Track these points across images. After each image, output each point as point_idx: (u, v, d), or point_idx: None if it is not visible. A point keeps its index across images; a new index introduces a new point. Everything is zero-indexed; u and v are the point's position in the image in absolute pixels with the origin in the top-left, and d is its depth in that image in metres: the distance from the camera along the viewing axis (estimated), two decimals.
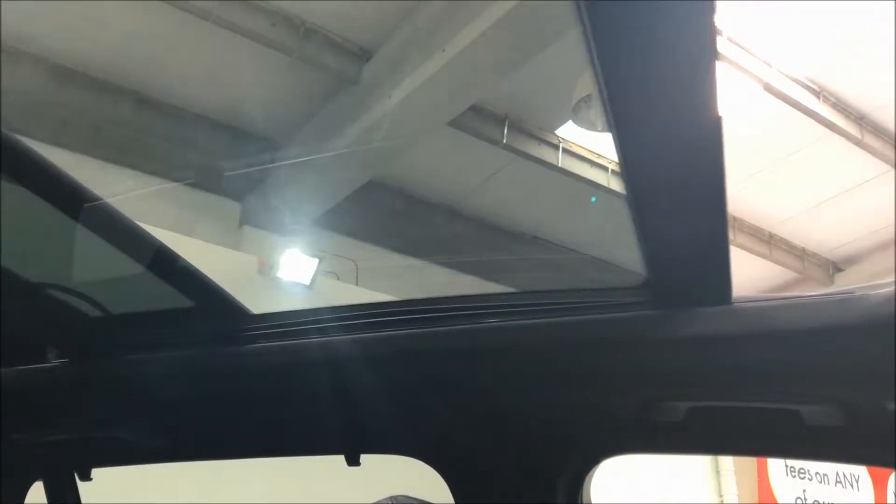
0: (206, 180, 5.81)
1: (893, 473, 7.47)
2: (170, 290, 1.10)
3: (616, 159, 0.86)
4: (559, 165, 6.09)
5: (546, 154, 6.08)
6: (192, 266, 1.08)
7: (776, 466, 6.92)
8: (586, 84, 4.33)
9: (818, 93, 5.69)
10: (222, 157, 5.76)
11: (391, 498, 0.89)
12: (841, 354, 0.96)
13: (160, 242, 1.06)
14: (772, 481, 6.90)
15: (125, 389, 1.24)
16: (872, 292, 0.89)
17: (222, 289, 1.11)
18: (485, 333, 1.07)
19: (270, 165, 5.76)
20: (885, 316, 0.89)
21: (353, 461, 1.23)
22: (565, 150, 6.15)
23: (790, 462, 6.97)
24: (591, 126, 4.67)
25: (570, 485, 1.18)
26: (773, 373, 1.00)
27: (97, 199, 0.93)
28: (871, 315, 0.90)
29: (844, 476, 7.30)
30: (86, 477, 1.41)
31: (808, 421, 1.01)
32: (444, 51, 4.48)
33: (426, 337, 1.08)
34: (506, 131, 5.84)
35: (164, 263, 1.07)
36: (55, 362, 1.25)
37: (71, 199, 0.94)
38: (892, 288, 0.88)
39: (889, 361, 0.93)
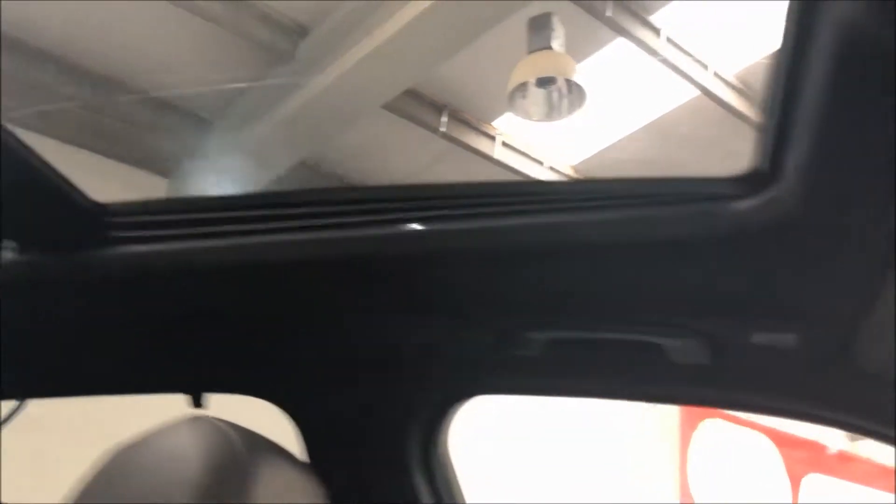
0: (131, 153, 5.63)
1: (809, 475, 7.64)
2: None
3: None
4: (495, 157, 6.05)
5: (483, 145, 6.04)
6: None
7: (696, 465, 7.01)
8: (522, 72, 4.29)
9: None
10: (150, 130, 5.58)
11: (190, 418, 0.79)
12: (698, 276, 0.84)
13: None
14: (690, 481, 6.98)
15: None
16: (739, 203, 0.76)
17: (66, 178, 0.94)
18: (327, 244, 0.90)
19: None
20: (752, 230, 0.76)
21: (197, 403, 1.12)
22: (504, 143, 6.12)
23: (708, 460, 7.07)
24: (526, 115, 4.63)
25: (424, 429, 1.10)
26: (629, 294, 0.89)
27: None
28: (735, 229, 0.77)
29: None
30: None
31: (673, 357, 0.92)
32: (377, 31, 4.41)
33: (250, 248, 0.90)
34: (444, 119, 5.78)
35: None
36: None
37: None
38: (765, 196, 0.74)
39: (756, 284, 0.83)
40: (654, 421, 7.02)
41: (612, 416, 6.66)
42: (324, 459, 1.09)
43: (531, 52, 4.33)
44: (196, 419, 0.79)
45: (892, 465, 8.32)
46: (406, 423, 1.09)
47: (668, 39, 5.15)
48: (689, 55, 5.32)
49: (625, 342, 0.94)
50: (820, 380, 0.92)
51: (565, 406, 6.34)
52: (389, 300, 0.96)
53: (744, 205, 0.74)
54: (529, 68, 4.28)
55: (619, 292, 0.88)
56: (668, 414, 7.00)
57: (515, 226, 0.83)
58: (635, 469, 6.73)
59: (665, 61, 5.18)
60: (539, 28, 4.34)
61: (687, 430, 6.99)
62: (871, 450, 8.39)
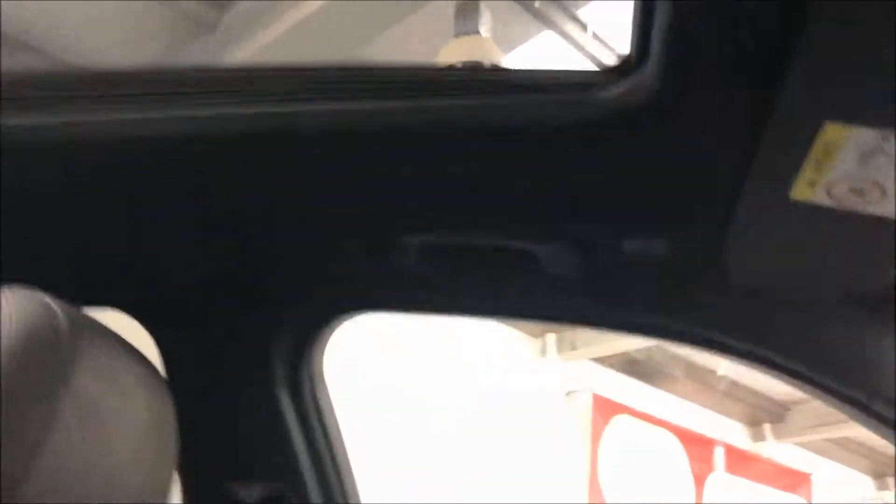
0: None
1: (713, 473, 7.85)
2: None
3: None
4: None
5: None
6: None
7: (606, 463, 7.11)
8: (447, 56, 4.28)
9: None
10: None
11: (9, 288, 0.72)
12: (564, 170, 0.77)
13: None
14: (601, 479, 7.07)
15: None
16: (603, 91, 0.70)
17: None
18: (173, 123, 0.79)
19: None
20: (617, 120, 0.70)
21: None
22: None
23: (618, 458, 7.18)
24: None
25: (293, 348, 1.03)
26: (495, 190, 0.82)
27: None
28: (599, 117, 0.71)
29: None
30: None
31: (548, 267, 0.87)
32: (303, 5, 4.34)
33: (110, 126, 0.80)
34: None
35: None
36: None
37: None
38: (629, 81, 0.69)
39: (623, 180, 0.76)
40: (566, 418, 7.09)
41: (521, 412, 6.67)
42: (180, 376, 1.02)
43: (457, 35, 4.33)
44: (16, 290, 0.72)
45: (792, 466, 8.63)
46: (273, 340, 1.01)
47: (595, 35, 5.21)
48: (615, 52, 5.39)
49: (499, 250, 0.90)
50: (694, 294, 0.89)
51: (472, 398, 6.34)
52: (245, 189, 0.89)
53: (608, 92, 0.69)
54: (455, 52, 4.27)
55: (485, 187, 0.83)
56: (580, 410, 7.07)
57: (370, 109, 0.76)
58: (545, 467, 6.77)
59: (591, 57, 5.23)
60: (466, 13, 4.34)
61: (599, 426, 7.09)
62: (773, 450, 8.69)
